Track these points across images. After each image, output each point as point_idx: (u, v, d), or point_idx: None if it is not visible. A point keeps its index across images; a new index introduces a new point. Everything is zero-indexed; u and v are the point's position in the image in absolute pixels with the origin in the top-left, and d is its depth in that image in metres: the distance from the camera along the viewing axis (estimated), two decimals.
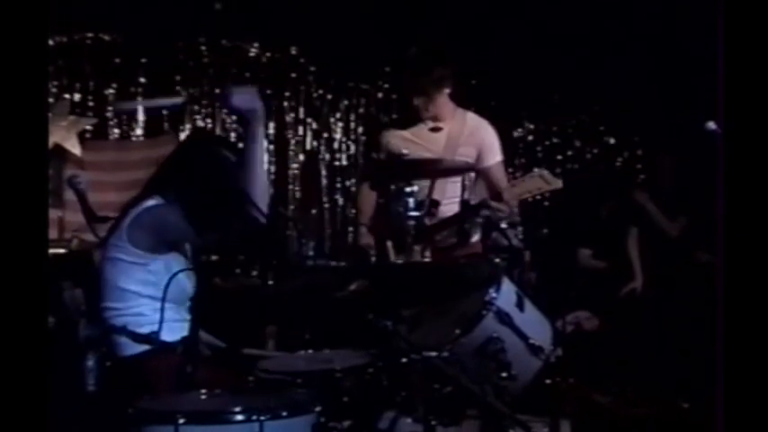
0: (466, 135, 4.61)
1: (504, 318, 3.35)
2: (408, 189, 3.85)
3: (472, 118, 4.70)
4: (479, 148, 4.62)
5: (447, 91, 4.57)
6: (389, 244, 4.30)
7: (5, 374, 2.21)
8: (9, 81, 2.29)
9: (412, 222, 3.90)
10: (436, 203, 4.31)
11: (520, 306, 3.47)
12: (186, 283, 3.32)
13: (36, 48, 2.34)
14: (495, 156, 4.67)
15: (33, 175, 2.30)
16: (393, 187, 4.06)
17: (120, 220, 3.36)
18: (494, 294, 3.37)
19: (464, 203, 4.01)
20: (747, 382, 2.28)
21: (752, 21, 2.35)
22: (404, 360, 3.06)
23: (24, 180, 2.28)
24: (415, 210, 3.86)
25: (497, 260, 4.22)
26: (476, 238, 4.44)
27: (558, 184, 4.36)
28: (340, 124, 7.76)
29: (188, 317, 3.38)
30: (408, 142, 4.61)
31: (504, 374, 3.30)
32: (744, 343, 2.31)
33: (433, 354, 3.09)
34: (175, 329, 3.25)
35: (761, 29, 2.34)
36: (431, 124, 4.58)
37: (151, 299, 3.25)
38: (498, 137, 4.75)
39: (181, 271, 3.17)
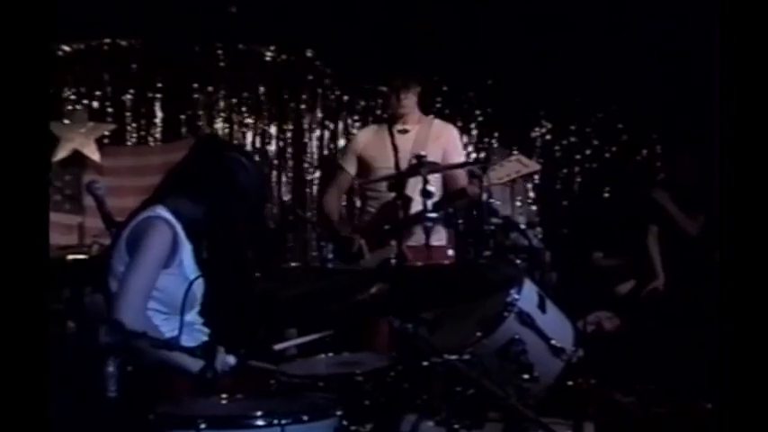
0: (432, 137, 4.91)
1: (525, 319, 3.32)
2: (428, 189, 3.85)
3: (437, 123, 5.07)
4: (444, 149, 4.91)
5: (416, 90, 4.91)
6: (362, 242, 4.71)
7: (5, 377, 2.21)
8: (11, 84, 2.29)
9: (429, 224, 3.92)
10: (409, 200, 4.48)
11: (541, 307, 3.44)
12: (196, 288, 3.30)
13: (39, 51, 2.34)
14: (458, 156, 5.01)
15: (34, 177, 2.29)
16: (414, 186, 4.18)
17: (122, 229, 3.34)
18: (515, 295, 3.34)
19: (424, 192, 4.12)
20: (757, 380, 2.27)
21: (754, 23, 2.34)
22: (425, 363, 3.05)
23: (25, 182, 2.28)
24: (432, 210, 3.86)
25: (518, 261, 4.23)
26: (441, 241, 4.71)
27: (536, 166, 4.69)
28: (357, 126, 7.74)
29: (201, 321, 3.40)
30: (379, 141, 4.94)
31: (526, 376, 3.27)
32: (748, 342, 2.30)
33: (455, 356, 3.06)
34: (193, 335, 3.25)
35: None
36: (399, 127, 4.90)
37: (156, 311, 3.23)
38: (461, 139, 5.18)
39: (196, 279, 3.16)
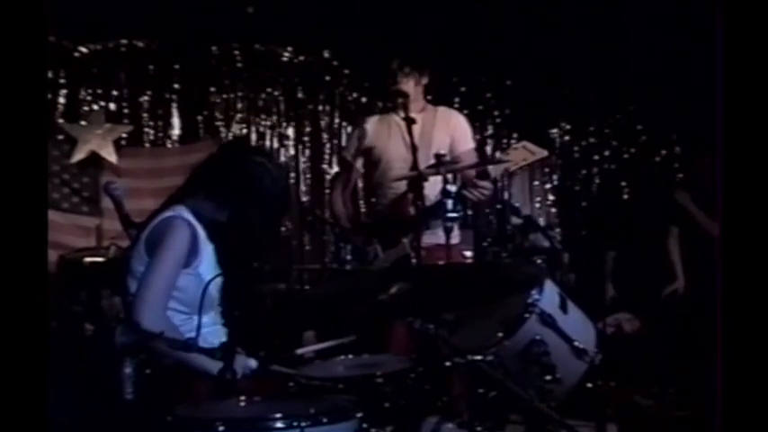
0: (439, 124, 4.75)
1: (547, 320, 3.27)
2: (448, 188, 3.78)
3: (443, 110, 4.90)
4: (452, 136, 4.76)
5: (424, 81, 4.73)
6: (378, 248, 4.53)
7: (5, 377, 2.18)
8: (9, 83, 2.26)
9: (450, 223, 3.85)
10: (424, 198, 4.28)
11: (563, 308, 3.39)
12: (214, 289, 3.28)
13: (35, 50, 2.31)
14: (467, 143, 4.83)
15: (32, 176, 2.27)
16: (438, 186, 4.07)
17: (141, 230, 3.32)
18: (536, 296, 3.29)
19: (444, 191, 3.86)
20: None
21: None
22: (448, 364, 3.01)
23: (24, 181, 2.25)
24: (453, 210, 3.79)
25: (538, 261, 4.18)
26: (455, 239, 4.43)
27: (543, 153, 4.45)
28: None
29: (220, 322, 3.37)
30: (385, 132, 4.79)
31: (548, 378, 3.22)
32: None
33: (479, 357, 3.02)
34: (211, 336, 3.23)
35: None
36: (403, 115, 4.61)
37: (176, 311, 3.20)
38: (470, 126, 4.95)
39: (213, 279, 3.14)
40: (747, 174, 2.33)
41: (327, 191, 7.55)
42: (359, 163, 4.91)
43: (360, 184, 5.30)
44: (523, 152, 4.36)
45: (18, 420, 2.19)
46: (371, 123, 4.98)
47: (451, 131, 4.78)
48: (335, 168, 7.57)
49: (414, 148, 4.34)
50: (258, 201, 3.33)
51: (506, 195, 4.40)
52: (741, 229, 2.33)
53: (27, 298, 2.22)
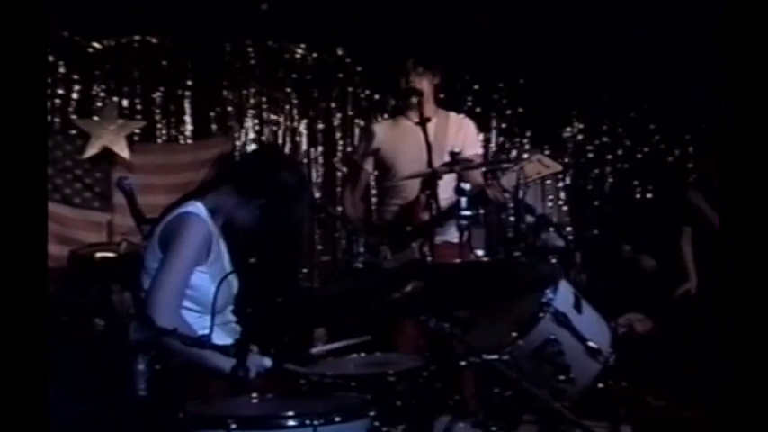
0: (452, 128, 4.79)
1: (561, 319, 3.25)
2: (462, 186, 3.74)
3: (454, 115, 4.93)
4: (463, 141, 4.76)
5: (436, 81, 4.77)
6: (387, 251, 4.55)
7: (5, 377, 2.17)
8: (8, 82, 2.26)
9: (464, 222, 3.81)
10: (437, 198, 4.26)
11: (577, 307, 3.37)
12: (226, 287, 3.26)
13: (34, 48, 2.30)
14: (474, 148, 4.86)
15: (32, 175, 2.26)
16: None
17: (155, 225, 3.29)
18: (551, 295, 3.27)
19: (458, 189, 3.76)
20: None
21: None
22: (463, 363, 2.99)
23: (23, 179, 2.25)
24: (467, 209, 3.76)
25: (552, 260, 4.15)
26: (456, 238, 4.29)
27: (557, 167, 4.48)
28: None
29: (233, 319, 3.36)
30: (397, 135, 4.80)
31: (562, 378, 3.20)
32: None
33: (495, 356, 3.01)
34: (223, 333, 3.21)
35: None
36: (416, 119, 4.57)
37: (188, 310, 3.19)
38: (478, 130, 5.03)
39: (226, 277, 3.13)
40: (749, 171, 2.31)
41: (339, 188, 7.57)
42: (368, 165, 4.90)
43: (372, 187, 5.29)
44: (538, 165, 4.38)
45: (18, 417, 2.18)
46: (382, 126, 5.03)
47: (462, 136, 4.79)
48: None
49: (429, 147, 4.31)
50: (284, 211, 3.31)
51: (520, 194, 4.36)
52: (743, 228, 2.31)
53: (27, 294, 2.21)
